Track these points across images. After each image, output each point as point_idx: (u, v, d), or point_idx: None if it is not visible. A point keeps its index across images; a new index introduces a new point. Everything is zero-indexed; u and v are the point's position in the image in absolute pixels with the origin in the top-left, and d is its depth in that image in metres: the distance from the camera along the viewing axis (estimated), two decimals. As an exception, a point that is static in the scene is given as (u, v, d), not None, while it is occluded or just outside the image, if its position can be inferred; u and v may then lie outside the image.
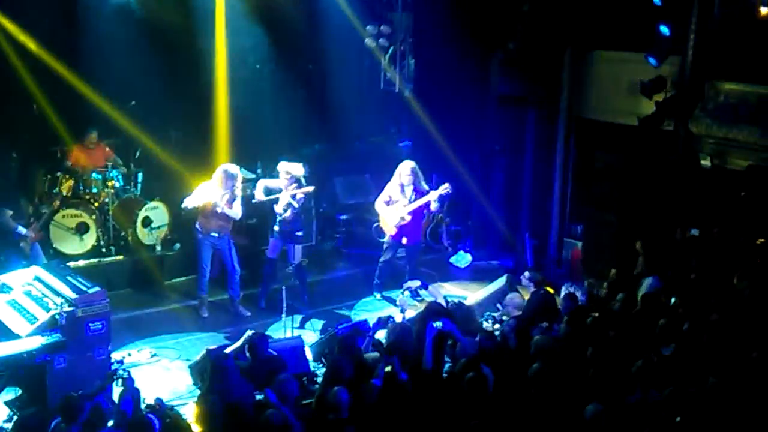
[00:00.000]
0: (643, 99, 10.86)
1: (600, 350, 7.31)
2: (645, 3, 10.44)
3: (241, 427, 6.34)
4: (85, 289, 7.57)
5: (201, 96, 12.09)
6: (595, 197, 11.30)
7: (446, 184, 10.28)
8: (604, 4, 11.08)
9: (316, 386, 7.62)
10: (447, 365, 8.02)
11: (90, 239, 10.58)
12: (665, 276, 9.36)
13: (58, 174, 10.71)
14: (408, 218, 10.36)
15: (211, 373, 6.84)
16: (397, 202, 10.42)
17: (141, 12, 11.53)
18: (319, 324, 9.84)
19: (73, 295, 7.50)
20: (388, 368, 6.90)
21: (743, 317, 8.02)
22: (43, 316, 7.43)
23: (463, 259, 12.47)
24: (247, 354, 7.53)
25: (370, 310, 10.38)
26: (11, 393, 7.53)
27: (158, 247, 10.99)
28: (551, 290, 9.45)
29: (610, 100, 11.84)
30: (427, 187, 10.42)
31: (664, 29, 10.45)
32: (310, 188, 9.92)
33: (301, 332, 9.36)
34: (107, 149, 11.26)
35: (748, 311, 8.16)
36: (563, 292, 9.90)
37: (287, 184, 9.81)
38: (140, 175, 11.61)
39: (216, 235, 9.73)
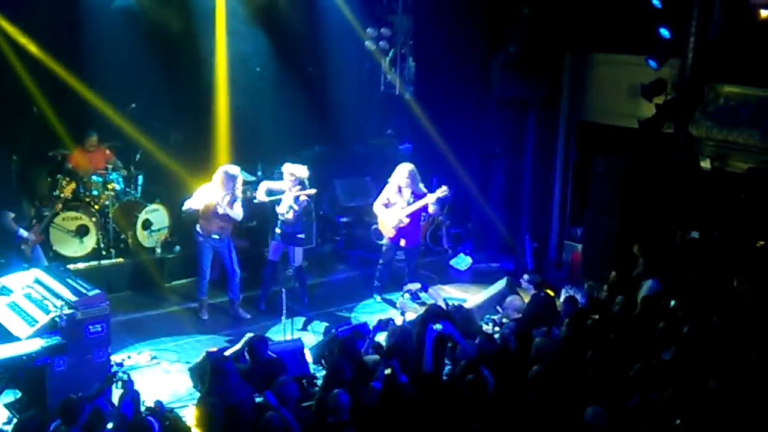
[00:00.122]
0: (643, 101, 10.88)
1: (600, 353, 7.31)
2: (645, 6, 10.46)
3: (241, 429, 6.34)
4: (84, 291, 7.57)
5: (201, 98, 12.09)
6: (595, 200, 11.30)
7: (444, 187, 10.29)
8: (605, 6, 11.09)
9: (316, 389, 7.62)
10: (447, 368, 8.02)
11: (90, 242, 10.57)
12: (665, 278, 9.36)
13: (59, 176, 10.72)
14: (406, 221, 10.36)
15: (211, 376, 6.84)
16: (395, 205, 10.42)
17: (141, 15, 11.54)
18: (319, 326, 9.82)
19: (73, 298, 7.49)
20: (388, 371, 6.90)
21: (743, 320, 8.02)
22: (42, 319, 7.43)
23: (463, 261, 12.46)
24: (247, 356, 7.53)
25: (370, 312, 10.38)
26: (11, 395, 7.52)
27: (158, 250, 10.99)
28: (551, 293, 9.44)
29: (611, 103, 11.86)
30: (425, 190, 10.42)
31: (664, 32, 10.47)
32: (313, 191, 9.94)
33: (301, 335, 9.35)
34: (107, 152, 11.25)
35: (748, 314, 8.15)
36: (563, 294, 9.91)
37: (291, 185, 9.83)
38: (140, 178, 11.60)
39: (217, 237, 9.72)
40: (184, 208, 9.74)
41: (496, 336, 8.49)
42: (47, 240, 10.19)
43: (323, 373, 7.96)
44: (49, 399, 7.10)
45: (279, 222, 9.92)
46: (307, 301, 10.31)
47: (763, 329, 7.72)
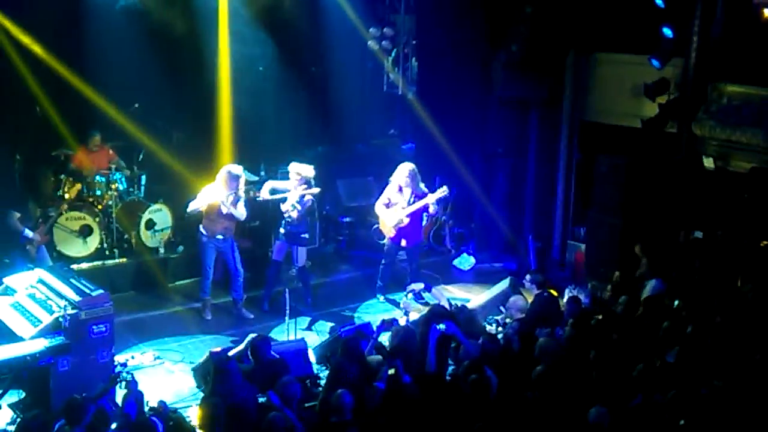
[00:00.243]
0: (646, 101, 10.87)
1: (603, 353, 7.30)
2: (648, 5, 10.44)
3: (244, 429, 6.35)
4: (88, 291, 7.57)
5: (204, 98, 12.08)
6: (598, 199, 11.29)
7: (444, 187, 10.30)
8: (607, 6, 11.08)
9: (320, 389, 7.63)
10: (450, 368, 8.01)
11: (93, 242, 10.58)
12: (669, 278, 9.36)
13: (62, 176, 10.73)
14: (406, 221, 10.37)
15: (214, 376, 6.84)
16: (396, 205, 10.42)
17: (144, 14, 11.53)
18: (322, 326, 9.83)
19: (76, 298, 7.50)
20: (391, 371, 6.90)
21: (747, 320, 8.01)
22: (46, 319, 7.44)
23: (466, 261, 12.46)
24: (250, 357, 7.53)
25: (373, 312, 10.38)
26: (15, 396, 7.53)
27: (161, 250, 10.99)
28: (555, 293, 9.44)
29: (613, 103, 11.85)
30: (425, 190, 10.42)
31: (667, 31, 10.45)
32: (316, 190, 9.97)
33: (304, 335, 9.35)
34: (111, 152, 11.26)
35: (752, 314, 8.15)
36: (566, 294, 9.89)
37: (297, 184, 9.85)
38: (143, 178, 11.62)
39: (221, 237, 9.73)
40: (188, 209, 9.75)
41: (500, 336, 8.49)
42: (50, 240, 10.20)
43: (326, 373, 7.96)
44: (53, 399, 7.11)
45: (283, 222, 9.92)
46: (310, 301, 10.33)
47: (766, 329, 7.71)
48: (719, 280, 9.27)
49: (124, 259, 10.84)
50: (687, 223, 10.55)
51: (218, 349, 8.11)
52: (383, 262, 10.73)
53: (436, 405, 6.69)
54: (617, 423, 6.16)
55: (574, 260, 12.05)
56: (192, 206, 9.66)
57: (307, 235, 10.13)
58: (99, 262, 10.61)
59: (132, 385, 6.79)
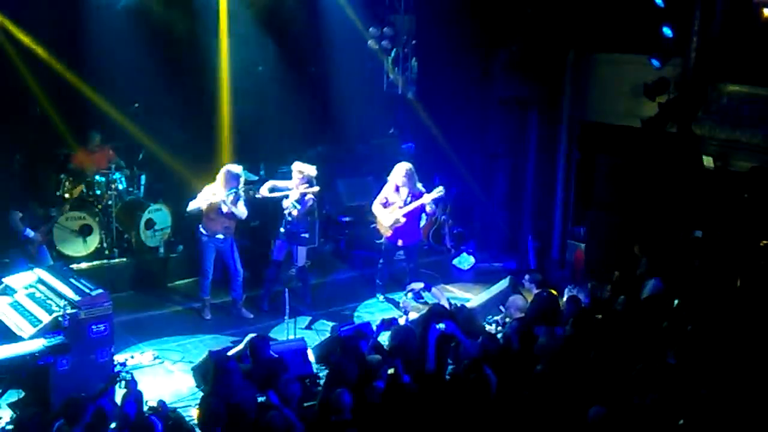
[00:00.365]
0: (646, 101, 10.87)
1: (603, 352, 7.30)
2: (647, 5, 10.44)
3: (244, 429, 6.35)
4: (87, 291, 7.57)
5: (204, 98, 12.08)
6: (597, 199, 11.30)
7: (440, 187, 10.31)
8: (607, 6, 11.09)
9: (319, 388, 7.63)
10: (450, 367, 8.02)
11: (93, 241, 10.58)
12: (668, 278, 9.35)
13: (63, 176, 10.73)
14: (402, 220, 10.37)
15: (214, 375, 6.84)
16: (393, 204, 10.42)
17: (144, 14, 11.53)
18: (321, 326, 9.82)
19: (76, 298, 7.50)
20: (390, 370, 6.90)
21: (746, 319, 8.01)
22: (46, 319, 7.44)
23: (465, 261, 12.46)
24: (249, 356, 7.53)
25: (372, 312, 10.38)
26: (14, 395, 7.53)
27: (161, 250, 11.00)
28: (554, 292, 9.44)
29: (613, 102, 11.85)
30: (423, 189, 10.42)
31: (667, 31, 10.45)
32: (316, 188, 9.98)
33: (303, 334, 9.35)
34: (110, 152, 11.26)
35: (751, 313, 8.14)
36: (566, 294, 9.89)
37: (299, 183, 9.86)
38: (143, 178, 11.62)
39: (221, 236, 9.73)
40: (188, 209, 9.74)
41: (499, 336, 8.49)
42: (50, 239, 10.20)
43: (326, 372, 7.96)
44: (52, 399, 7.10)
45: (283, 221, 9.93)
46: (310, 300, 10.33)
47: (766, 328, 7.71)
48: (719, 280, 9.26)
49: (124, 259, 10.85)
50: (687, 223, 10.55)
51: (218, 348, 8.12)
52: (381, 261, 10.74)
53: (436, 404, 6.68)
54: (617, 422, 6.15)
55: (574, 260, 12.06)
56: (192, 205, 9.66)
57: (307, 235, 10.13)
58: (99, 262, 10.62)
59: (131, 384, 6.80)
